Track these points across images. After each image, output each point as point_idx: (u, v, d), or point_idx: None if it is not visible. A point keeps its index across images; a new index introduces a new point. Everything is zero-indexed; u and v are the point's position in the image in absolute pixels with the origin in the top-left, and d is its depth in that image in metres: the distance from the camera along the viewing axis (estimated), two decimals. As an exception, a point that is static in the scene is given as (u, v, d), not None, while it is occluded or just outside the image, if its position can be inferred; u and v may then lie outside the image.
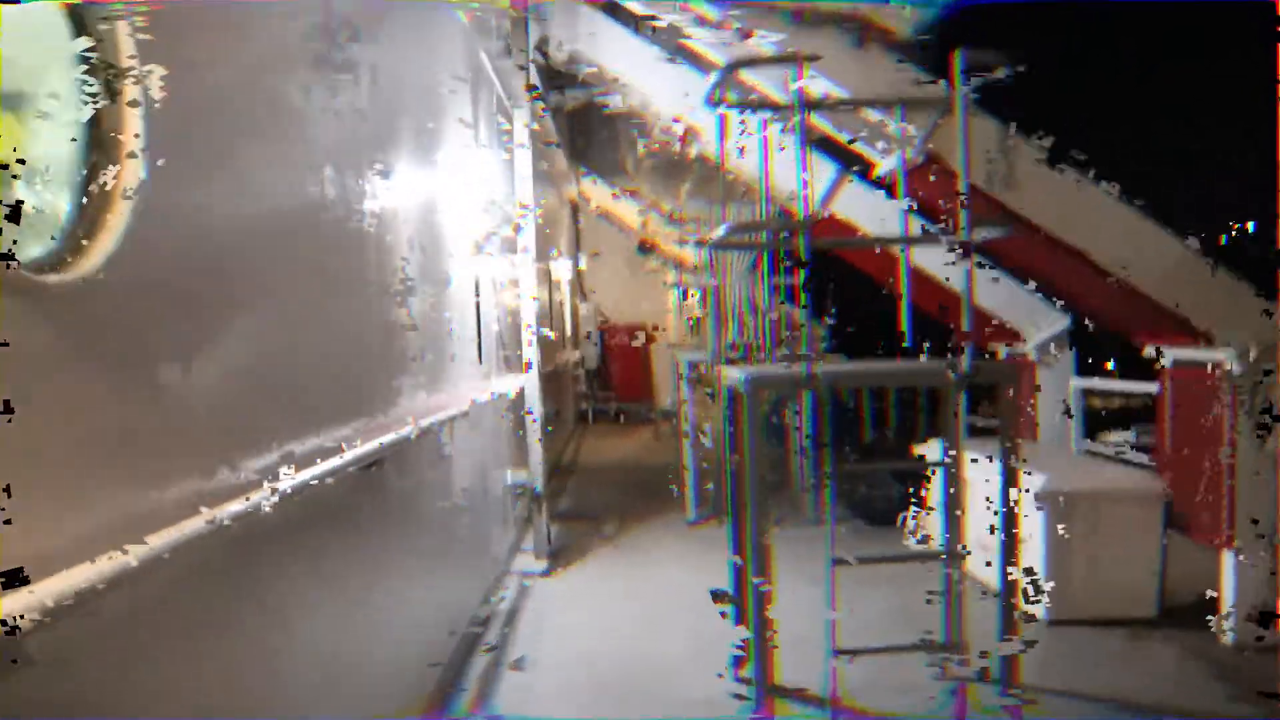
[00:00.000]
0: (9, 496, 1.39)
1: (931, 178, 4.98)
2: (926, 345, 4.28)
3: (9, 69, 1.57)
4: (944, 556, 4.47)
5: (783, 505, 7.93)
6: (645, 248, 14.90)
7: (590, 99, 8.21)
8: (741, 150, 5.37)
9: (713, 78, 4.17)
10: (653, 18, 5.94)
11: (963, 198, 3.84)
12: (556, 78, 8.02)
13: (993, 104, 4.45)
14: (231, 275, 2.33)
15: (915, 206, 4.67)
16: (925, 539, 6.48)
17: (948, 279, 4.06)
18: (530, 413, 6.78)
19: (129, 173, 1.82)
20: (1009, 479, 3.98)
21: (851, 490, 7.79)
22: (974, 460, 4.81)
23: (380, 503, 3.52)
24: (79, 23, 1.77)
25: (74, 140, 1.77)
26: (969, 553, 4.49)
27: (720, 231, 4.63)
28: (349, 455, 2.86)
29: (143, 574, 1.68)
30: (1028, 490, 4.89)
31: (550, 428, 7.92)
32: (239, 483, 2.23)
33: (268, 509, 2.23)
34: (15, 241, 1.48)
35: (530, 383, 6.77)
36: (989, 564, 4.62)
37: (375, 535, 3.48)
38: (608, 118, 10.14)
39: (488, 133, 6.33)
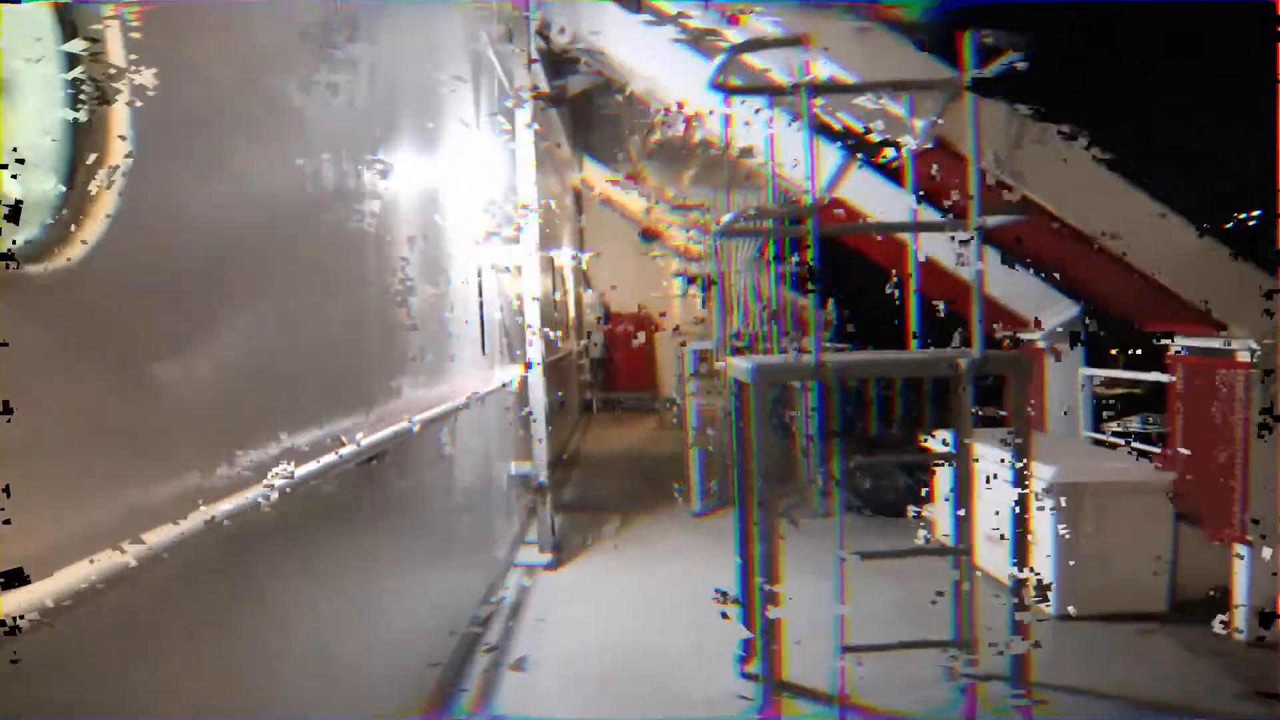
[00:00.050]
0: (8, 496, 1.39)
1: (935, 168, 4.90)
2: (934, 334, 4.21)
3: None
4: (954, 552, 4.39)
5: (789, 497, 7.86)
6: (649, 235, 14.81)
7: (593, 85, 8.12)
8: (746, 136, 5.28)
9: (717, 61, 4.06)
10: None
11: (973, 183, 3.75)
12: (559, 64, 7.92)
13: (1000, 94, 4.36)
14: (228, 265, 2.26)
15: (923, 193, 4.58)
16: (931, 530, 6.41)
17: (962, 263, 3.97)
18: (533, 410, 6.71)
19: (116, 160, 1.76)
20: (1021, 477, 3.89)
21: (858, 481, 7.72)
22: (980, 452, 4.73)
23: (391, 488, 3.46)
24: (68, 18, 1.72)
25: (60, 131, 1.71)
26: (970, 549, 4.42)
27: (725, 219, 4.55)
28: (348, 449, 2.80)
29: (134, 574, 1.64)
30: (1037, 480, 4.81)
31: (554, 418, 7.86)
32: (233, 478, 2.17)
33: (263, 505, 2.17)
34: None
35: (533, 374, 6.70)
36: (996, 555, 4.55)
37: (377, 529, 3.42)
38: (610, 103, 10.04)
39: (489, 122, 6.24)
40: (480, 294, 5.58)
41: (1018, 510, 3.90)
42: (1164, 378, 5.51)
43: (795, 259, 8.33)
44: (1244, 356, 4.63)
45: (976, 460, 4.61)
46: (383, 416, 3.35)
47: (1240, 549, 4.75)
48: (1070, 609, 5.06)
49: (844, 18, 4.59)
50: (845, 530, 6.93)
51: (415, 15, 4.45)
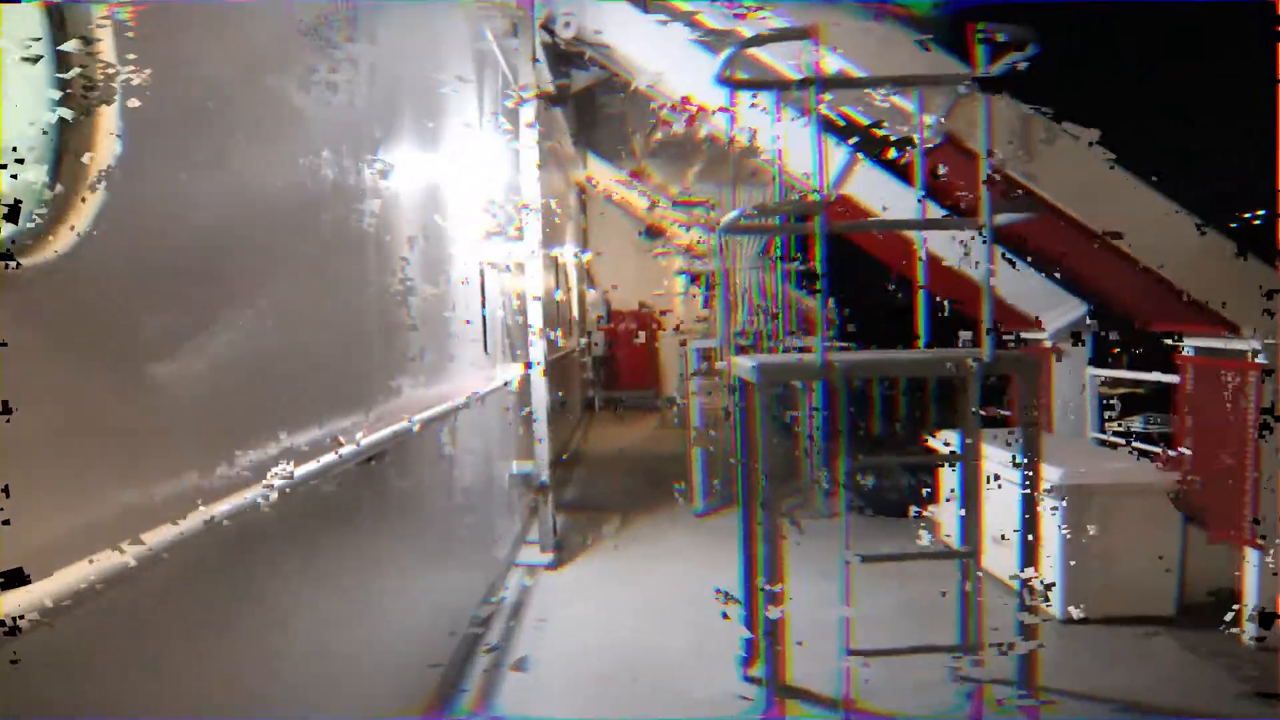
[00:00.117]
0: (7, 497, 1.38)
1: (943, 167, 4.84)
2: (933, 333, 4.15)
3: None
4: (960, 556, 4.34)
5: (793, 497, 7.82)
6: (652, 232, 14.76)
7: (597, 80, 8.06)
8: (752, 132, 5.23)
9: (724, 55, 4.01)
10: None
11: (985, 179, 3.69)
12: (563, 58, 7.86)
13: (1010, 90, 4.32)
14: (227, 263, 2.22)
15: (930, 190, 4.52)
16: (935, 531, 6.36)
17: (975, 262, 3.91)
18: (534, 409, 6.65)
19: (104, 152, 1.71)
20: (1029, 478, 3.84)
21: (862, 481, 7.68)
22: (984, 453, 4.67)
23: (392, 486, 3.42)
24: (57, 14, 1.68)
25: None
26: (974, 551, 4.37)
27: (731, 215, 4.49)
28: (347, 449, 2.75)
29: (134, 574, 1.63)
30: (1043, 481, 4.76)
31: (555, 417, 7.81)
32: (232, 477, 2.13)
33: (262, 505, 2.12)
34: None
35: (535, 373, 6.65)
36: (999, 557, 4.50)
37: (377, 529, 3.38)
38: (615, 99, 9.99)
39: (492, 120, 6.19)
40: (482, 293, 5.53)
41: (1025, 512, 3.85)
42: (1172, 378, 5.45)
43: (800, 256, 8.27)
44: (1261, 359, 4.57)
45: (984, 454, 4.56)
46: (383, 416, 3.31)
47: (1250, 553, 4.69)
48: (1075, 612, 5.01)
49: (854, 16, 4.54)
50: (849, 531, 6.91)
51: (417, 11, 4.39)
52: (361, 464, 2.97)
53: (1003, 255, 5.97)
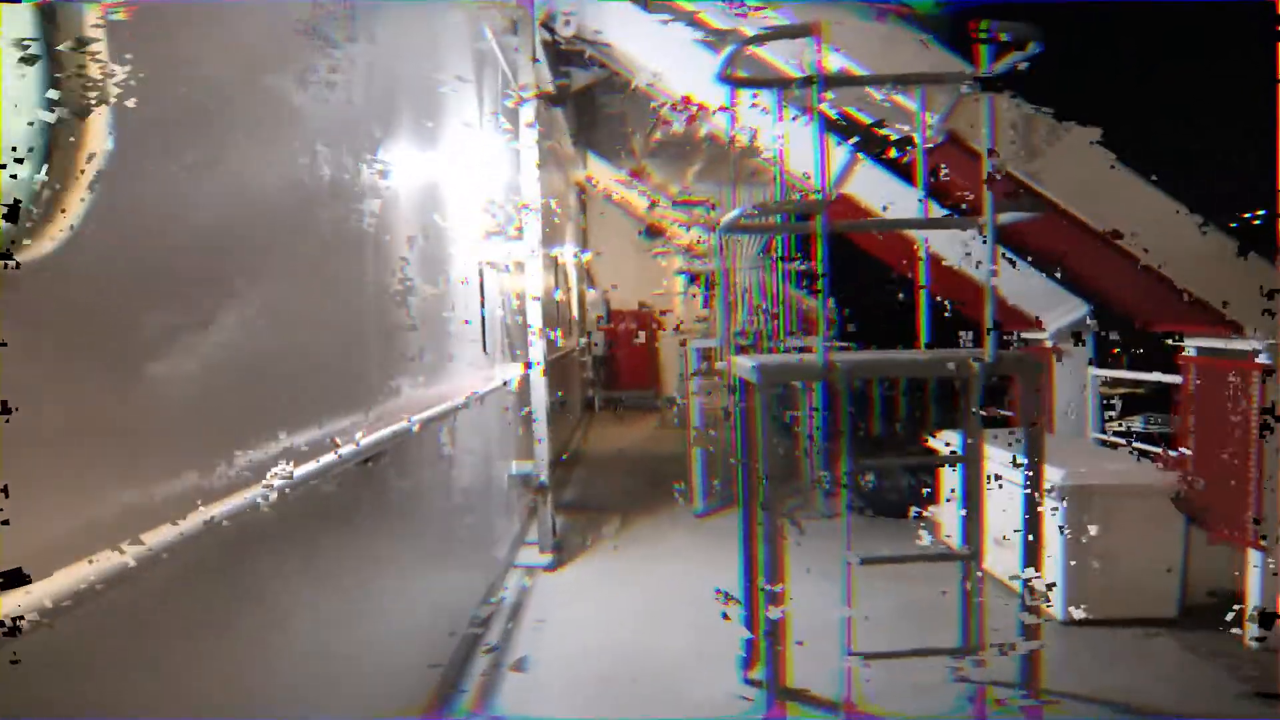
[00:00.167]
0: (7, 497, 1.38)
1: (945, 167, 4.83)
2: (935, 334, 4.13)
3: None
4: (962, 558, 4.33)
5: (793, 498, 7.80)
6: (652, 232, 14.74)
7: (597, 79, 8.04)
8: (753, 131, 5.21)
9: (725, 52, 3.99)
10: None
11: (987, 178, 3.68)
12: (562, 57, 7.85)
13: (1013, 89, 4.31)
14: (226, 262, 2.20)
15: (932, 190, 4.51)
16: (935, 532, 6.35)
17: (977, 263, 3.90)
18: (534, 409, 6.64)
19: (99, 151, 1.70)
20: (1031, 479, 3.82)
21: (862, 481, 7.66)
22: (986, 454, 4.66)
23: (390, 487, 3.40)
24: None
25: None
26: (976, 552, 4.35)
27: (731, 215, 4.47)
28: (347, 449, 2.74)
29: (134, 574, 1.62)
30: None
31: (554, 417, 7.79)
32: (231, 478, 2.11)
33: (262, 505, 2.11)
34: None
35: (534, 373, 6.63)
36: (1000, 558, 4.49)
37: (376, 529, 3.36)
38: (615, 98, 9.97)
39: (492, 120, 6.18)
40: (481, 292, 5.51)
41: (1027, 514, 3.84)
42: (1173, 378, 5.44)
43: (801, 256, 8.26)
44: (1264, 359, 4.56)
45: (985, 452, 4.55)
46: (382, 416, 3.29)
47: (1252, 553, 4.68)
48: (1076, 613, 5.00)
49: (857, 15, 4.53)
50: (849, 531, 6.89)
51: (416, 10, 4.38)
52: (361, 464, 2.96)
53: (1003, 255, 5.95)
